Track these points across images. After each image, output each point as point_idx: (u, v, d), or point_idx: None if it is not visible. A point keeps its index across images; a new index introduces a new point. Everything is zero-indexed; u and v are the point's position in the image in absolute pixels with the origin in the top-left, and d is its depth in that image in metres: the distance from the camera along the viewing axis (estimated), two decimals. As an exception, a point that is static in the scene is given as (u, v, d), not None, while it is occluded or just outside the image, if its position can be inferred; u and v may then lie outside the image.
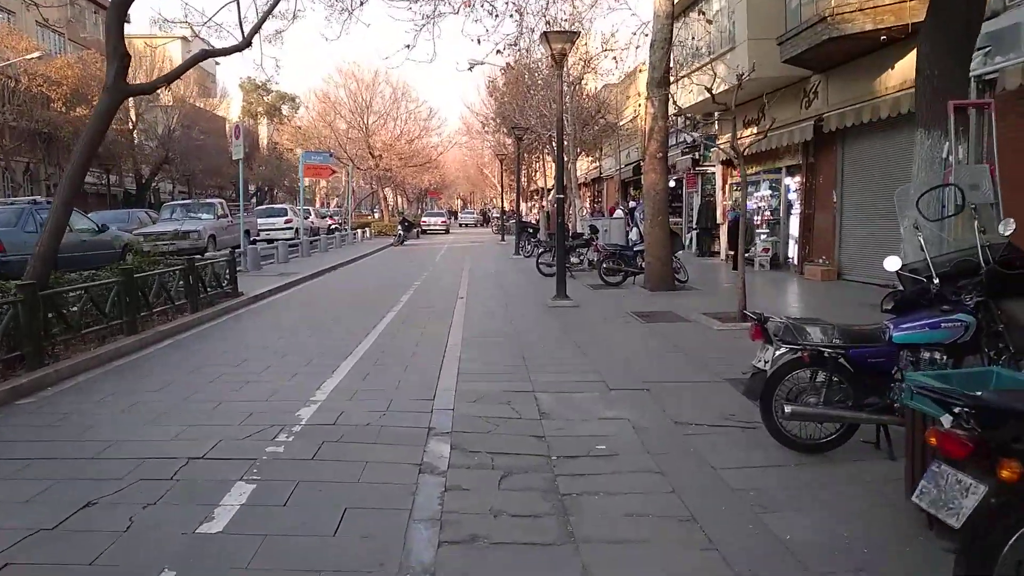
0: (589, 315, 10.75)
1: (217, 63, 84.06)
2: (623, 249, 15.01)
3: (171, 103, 46.28)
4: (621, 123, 31.32)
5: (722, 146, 11.39)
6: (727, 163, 20.05)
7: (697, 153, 23.00)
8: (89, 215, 19.33)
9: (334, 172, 26.24)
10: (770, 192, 18.06)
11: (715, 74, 12.10)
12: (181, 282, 10.02)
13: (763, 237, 17.96)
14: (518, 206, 26.58)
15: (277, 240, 25.20)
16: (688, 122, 24.84)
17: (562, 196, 11.65)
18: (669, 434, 5.21)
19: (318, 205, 74.95)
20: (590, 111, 25.32)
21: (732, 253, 17.57)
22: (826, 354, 4.54)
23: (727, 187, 20.33)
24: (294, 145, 41.80)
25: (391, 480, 4.31)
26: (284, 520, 3.75)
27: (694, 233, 22.88)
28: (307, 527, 3.66)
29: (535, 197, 52.24)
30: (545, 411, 5.70)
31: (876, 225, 13.76)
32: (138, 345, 8.22)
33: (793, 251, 17.04)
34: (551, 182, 38.40)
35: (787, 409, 4.50)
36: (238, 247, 21.08)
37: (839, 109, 14.08)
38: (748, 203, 18.40)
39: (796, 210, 16.77)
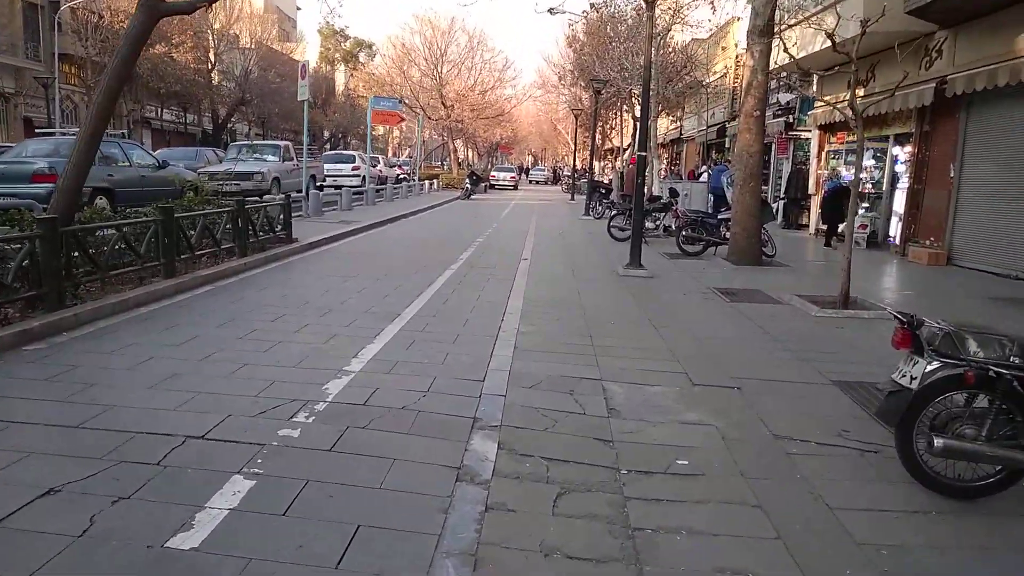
0: (666, 288, 9.67)
1: (299, 8, 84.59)
2: (706, 216, 13.72)
3: (250, 45, 46.30)
4: (707, 81, 29.38)
5: (839, 104, 9.92)
6: (826, 128, 18.25)
7: (791, 116, 21.14)
8: (155, 152, 19.24)
9: (403, 120, 25.45)
10: (874, 163, 16.29)
11: (828, 24, 10.61)
12: (229, 225, 9.41)
13: (862, 212, 16.27)
14: (591, 165, 25.30)
15: (344, 186, 24.78)
16: (783, 82, 22.87)
17: (644, 153, 10.49)
18: (767, 451, 4.19)
19: (390, 154, 75.03)
20: (676, 66, 23.60)
21: (825, 228, 16.01)
22: (998, 375, 3.41)
23: (823, 154, 18.56)
24: (369, 93, 41.13)
25: (421, 488, 3.46)
26: (278, 538, 2.95)
27: (781, 203, 21.17)
28: (305, 552, 2.86)
29: (609, 156, 50.45)
30: (614, 407, 4.75)
31: (1000, 206, 12.06)
32: (174, 290, 7.65)
33: (895, 229, 15.36)
34: (627, 141, 36.70)
35: (938, 443, 3.42)
36: (311, 191, 20.72)
37: (968, 71, 12.26)
38: (847, 175, 16.71)
39: (903, 184, 15.05)
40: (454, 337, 6.33)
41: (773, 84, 24.73)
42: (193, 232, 8.39)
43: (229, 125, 48.63)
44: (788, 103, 21.30)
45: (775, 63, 12.59)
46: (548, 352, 6.03)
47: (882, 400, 3.75)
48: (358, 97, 61.34)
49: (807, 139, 20.59)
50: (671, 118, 35.60)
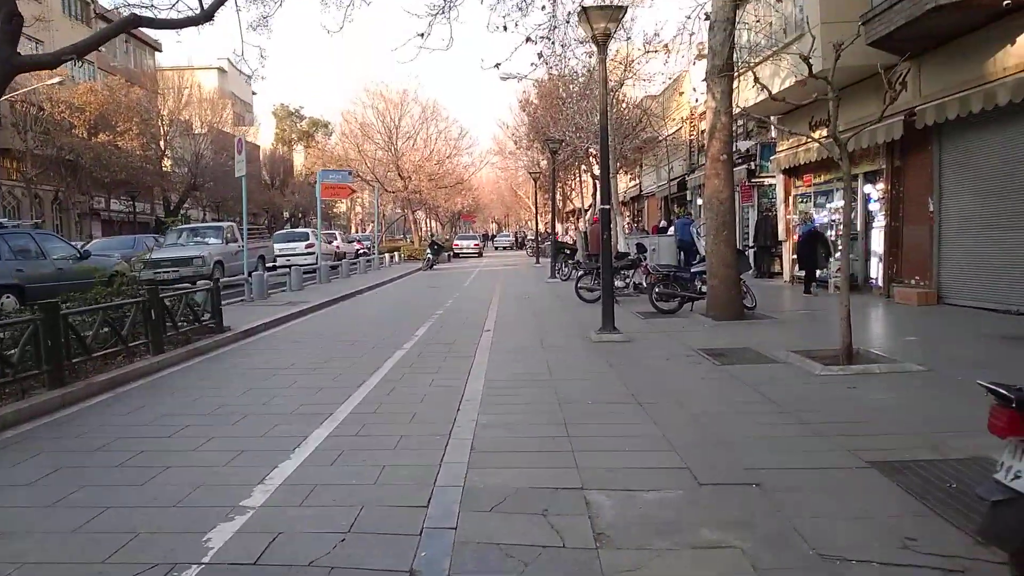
0: (647, 353, 8.56)
1: (254, 93, 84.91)
2: (678, 270, 12.78)
3: (201, 130, 45.61)
4: (664, 135, 29.19)
5: (820, 138, 9.11)
6: (790, 172, 17.72)
7: (753, 163, 20.71)
8: (93, 241, 17.96)
9: (354, 191, 24.54)
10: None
11: (788, 63, 9.97)
12: (140, 317, 8.12)
13: (838, 255, 15.53)
14: (553, 226, 24.57)
15: (299, 266, 23.58)
16: (742, 129, 22.58)
17: (608, 206, 9.55)
18: (821, 588, 3.01)
19: (353, 230, 74.18)
20: (631, 122, 23.22)
21: (803, 274, 15.20)
22: None
23: (791, 199, 17.97)
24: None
25: None
26: None
27: (751, 252, 20.48)
28: None
29: (571, 218, 50.18)
30: (603, 530, 3.54)
31: (988, 237, 11.34)
32: (60, 402, 6.30)
33: (875, 270, 14.60)
34: (587, 201, 36.29)
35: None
36: (256, 271, 19.45)
37: (937, 99, 11.71)
38: (818, 217, 16.07)
39: (879, 223, 14.37)
40: (395, 441, 5.08)
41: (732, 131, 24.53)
42: (88, 332, 7.07)
43: (182, 212, 47.35)
44: (748, 150, 20.90)
45: (737, 106, 11.92)
46: (513, 452, 4.82)
47: (988, 513, 2.61)
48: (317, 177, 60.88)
49: (771, 185, 20.10)
50: (629, 175, 35.39)
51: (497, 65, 17.28)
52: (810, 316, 11.66)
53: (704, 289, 12.62)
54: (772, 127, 20.26)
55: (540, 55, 12.41)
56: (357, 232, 65.63)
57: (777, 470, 4.34)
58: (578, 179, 33.51)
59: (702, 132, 28.15)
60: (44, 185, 35.18)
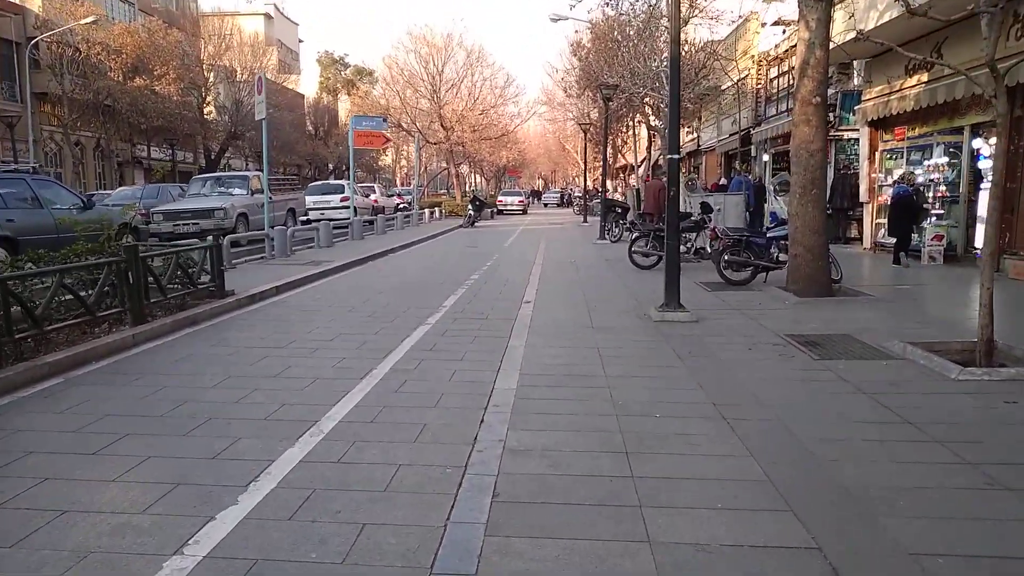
0: (722, 339, 6.94)
1: (301, 40, 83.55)
2: (752, 235, 11.00)
3: (241, 75, 44.39)
4: (727, 86, 26.80)
5: (973, 72, 7.09)
6: (878, 124, 15.52)
7: (832, 114, 18.40)
8: (85, 193, 16.95)
9: (388, 140, 23.05)
10: (946, 160, 13.51)
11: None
12: (114, 280, 6.82)
13: (932, 220, 13.48)
14: (604, 182, 22.71)
15: (333, 220, 22.35)
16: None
17: (676, 155, 7.83)
18: None
19: (398, 184, 72.86)
20: (695, 65, 21.03)
21: (894, 241, 13.21)
22: None
23: (877, 155, 15.79)
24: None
25: None
26: None
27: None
28: None
29: (621, 174, 47.87)
30: None
31: None
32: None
33: (981, 240, 12.51)
34: (641, 156, 34.09)
35: None
36: (284, 225, 18.27)
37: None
38: (916, 176, 13.93)
39: (988, 184, 12.22)
40: (387, 479, 3.63)
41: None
42: (38, 302, 5.78)
43: (223, 160, 46.62)
44: (826, 99, 18.56)
45: (835, 40, 9.91)
46: (553, 505, 3.33)
47: None
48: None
49: (851, 139, 17.86)
50: (687, 128, 33.00)
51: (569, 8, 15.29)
52: (910, 294, 9.81)
53: (782, 258, 10.87)
54: (854, 74, 18.00)
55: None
56: (401, 186, 64.27)
57: (959, 556, 2.77)
58: (632, 132, 31.35)
59: (771, 80, 25.69)
60: (84, 131, 34.57)
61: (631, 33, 23.67)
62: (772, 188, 12.15)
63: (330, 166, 65.28)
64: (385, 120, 21.27)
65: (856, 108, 16.51)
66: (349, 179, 41.87)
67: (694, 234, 13.49)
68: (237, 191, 17.27)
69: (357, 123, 20.25)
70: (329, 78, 73.21)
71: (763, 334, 7.21)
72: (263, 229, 15.55)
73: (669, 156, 7.88)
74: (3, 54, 32.03)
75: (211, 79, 41.67)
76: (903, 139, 14.73)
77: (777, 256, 10.90)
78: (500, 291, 10.43)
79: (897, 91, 14.23)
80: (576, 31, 28.02)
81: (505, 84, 38.32)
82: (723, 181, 26.03)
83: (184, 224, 15.33)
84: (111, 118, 34.02)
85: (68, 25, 29.90)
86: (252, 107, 44.40)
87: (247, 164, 53.80)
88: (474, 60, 36.53)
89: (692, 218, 13.44)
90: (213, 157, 43.83)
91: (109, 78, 32.02)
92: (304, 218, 22.64)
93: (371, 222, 21.86)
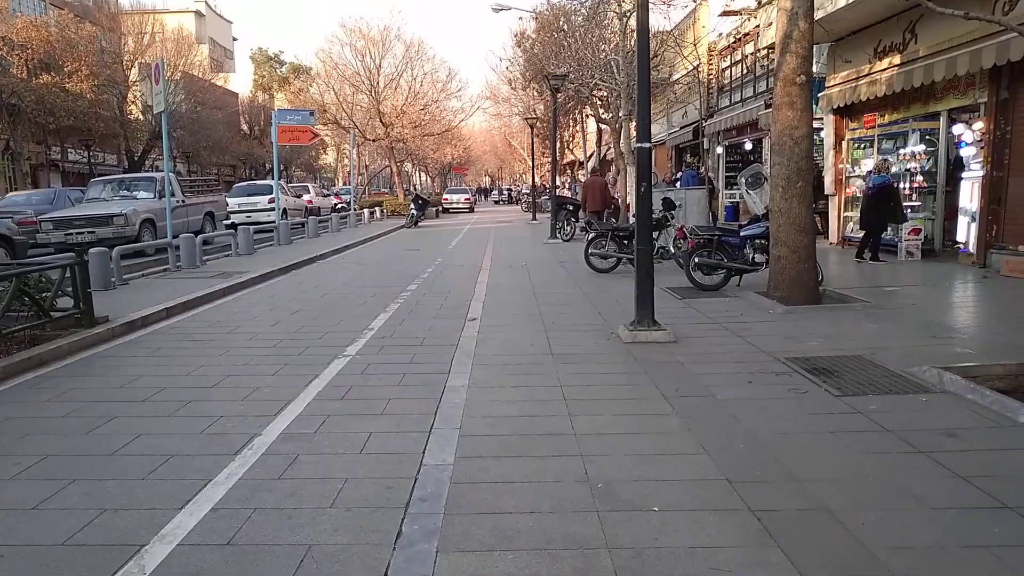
0: (710, 368, 5.58)
1: (235, 38, 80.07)
2: (724, 234, 9.74)
3: (169, 74, 41.46)
4: (677, 76, 25.77)
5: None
6: (844, 112, 14.54)
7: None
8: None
9: (316, 136, 21.20)
10: (923, 148, 12.55)
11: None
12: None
13: (906, 221, 12.47)
14: (553, 179, 21.38)
15: (260, 223, 20.40)
16: (770, 63, 19.27)
17: (648, 144, 6.45)
18: None
19: (340, 184, 70.20)
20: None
21: (865, 236, 12.19)
22: None
23: (843, 144, 14.81)
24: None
25: None
26: None
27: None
28: None
29: (568, 171, 46.74)
30: None
31: None
32: None
33: (965, 233, 11.57)
34: (590, 149, 32.92)
35: None
36: (200, 232, 16.34)
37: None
38: (890, 166, 12.92)
39: (972, 172, 11.29)
40: None
41: (759, 69, 21.19)
42: None
43: (148, 161, 43.66)
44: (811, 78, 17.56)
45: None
46: None
47: None
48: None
49: (815, 128, 16.89)
50: (634, 122, 31.98)
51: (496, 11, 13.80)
52: (903, 297, 8.67)
53: (758, 259, 9.66)
54: (815, 60, 17.03)
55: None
56: (343, 185, 61.92)
57: None
58: (581, 125, 30.13)
59: (723, 71, 24.76)
60: (-15, 133, 31.53)
61: (578, 23, 22.43)
62: (743, 181, 10.96)
63: (267, 165, 62.48)
64: (312, 114, 19.43)
65: (820, 95, 15.52)
66: (287, 179, 39.69)
67: (657, 233, 12.20)
68: (142, 195, 15.25)
69: (281, 117, 18.33)
70: (264, 76, 70.23)
71: (759, 358, 5.89)
72: (177, 234, 13.65)
73: (639, 145, 6.49)
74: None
75: (132, 76, 38.79)
76: (873, 127, 13.75)
77: (753, 257, 9.67)
78: (441, 304, 8.91)
79: (866, 75, 13.23)
80: (520, 18, 26.64)
81: (448, 79, 36.68)
82: (674, 175, 25.05)
83: (77, 233, 13.31)
84: (17, 118, 31.06)
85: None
86: (177, 105, 42.02)
87: (175, 165, 50.83)
88: (413, 54, 34.80)
89: (653, 216, 12.12)
90: (136, 158, 40.89)
91: (12, 75, 29.12)
92: (227, 222, 20.63)
93: (295, 226, 19.98)
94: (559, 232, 19.10)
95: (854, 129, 14.57)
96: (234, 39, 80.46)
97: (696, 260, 9.54)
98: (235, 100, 61.39)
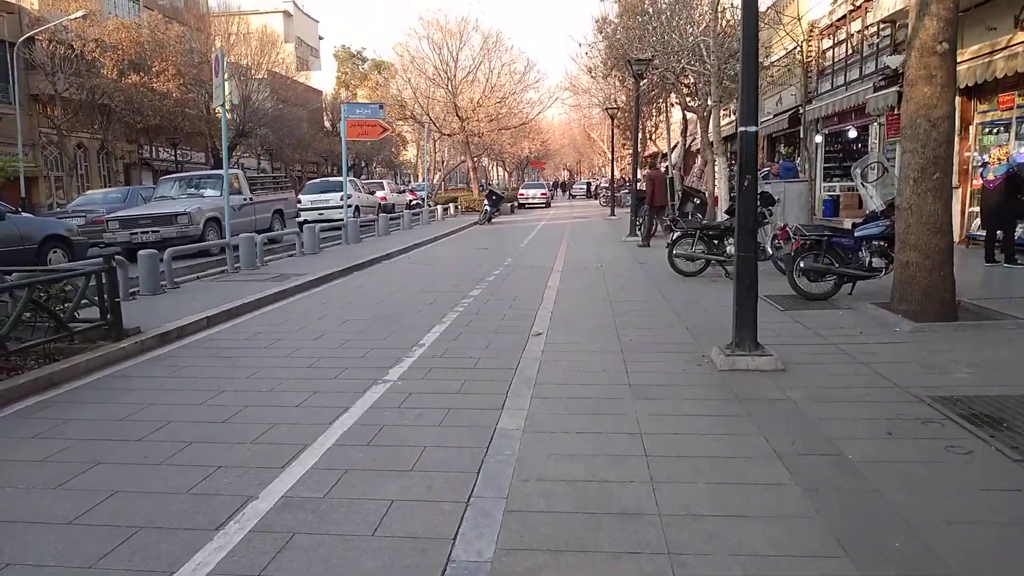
0: (832, 410, 4.37)
1: (321, 37, 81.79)
2: (835, 235, 8.35)
3: (255, 72, 42.25)
4: (770, 61, 23.88)
5: None
6: (972, 92, 12.66)
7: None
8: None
9: (386, 130, 20.61)
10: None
11: None
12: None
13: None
14: (635, 171, 20.05)
15: (332, 221, 20.05)
16: (888, 40, 17.37)
17: (754, 128, 5.25)
18: None
19: (420, 179, 70.52)
20: (738, 36, 18.19)
21: (989, 234, 10.48)
22: None
23: (971, 129, 12.94)
24: (389, 113, 36.37)
25: None
26: None
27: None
28: None
29: (648, 163, 44.92)
30: None
31: None
32: None
33: None
34: (675, 140, 31.21)
35: None
36: (268, 230, 16.01)
37: None
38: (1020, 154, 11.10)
39: None
40: None
41: (866, 47, 19.19)
42: None
43: (234, 158, 44.70)
44: (899, 68, 15.70)
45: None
46: None
47: None
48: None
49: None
50: (725, 111, 30.07)
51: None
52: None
53: (875, 263, 8.23)
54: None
55: None
56: (421, 181, 62.14)
57: None
58: (665, 115, 28.53)
59: (823, 52, 22.75)
60: (81, 132, 32.74)
61: (662, 6, 20.98)
62: (857, 173, 9.50)
63: (349, 162, 63.26)
64: (382, 107, 18.84)
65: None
66: (363, 174, 39.67)
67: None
68: (209, 192, 14.96)
69: (350, 111, 17.79)
70: (347, 72, 71.20)
71: (894, 395, 4.63)
72: (250, 233, 13.24)
73: (744, 128, 5.29)
74: (-2, 55, 30.28)
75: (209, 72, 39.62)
76: (1011, 107, 11.88)
77: (869, 261, 8.25)
78: (504, 314, 7.94)
79: (1002, 48, 11.39)
80: (602, 0, 25.41)
81: (526, 70, 35.65)
82: (764, 169, 23.20)
83: (142, 232, 13.08)
84: (109, 118, 32.13)
85: (57, 20, 27.99)
86: (261, 103, 42.80)
87: (259, 162, 51.98)
88: (491, 45, 33.93)
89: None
90: (222, 156, 41.93)
91: (102, 75, 30.04)
92: (299, 220, 20.36)
93: (365, 225, 19.43)
94: (639, 229, 17.81)
95: (985, 112, 12.70)
96: (320, 37, 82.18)
97: (802, 264, 8.20)
98: (319, 98, 62.53)
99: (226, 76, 11.14)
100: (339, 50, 75.16)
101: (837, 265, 8.13)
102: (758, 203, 10.94)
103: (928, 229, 6.77)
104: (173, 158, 40.29)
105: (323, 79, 70.37)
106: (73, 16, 27.99)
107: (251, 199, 16.00)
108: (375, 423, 4.36)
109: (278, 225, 17.27)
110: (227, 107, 11.49)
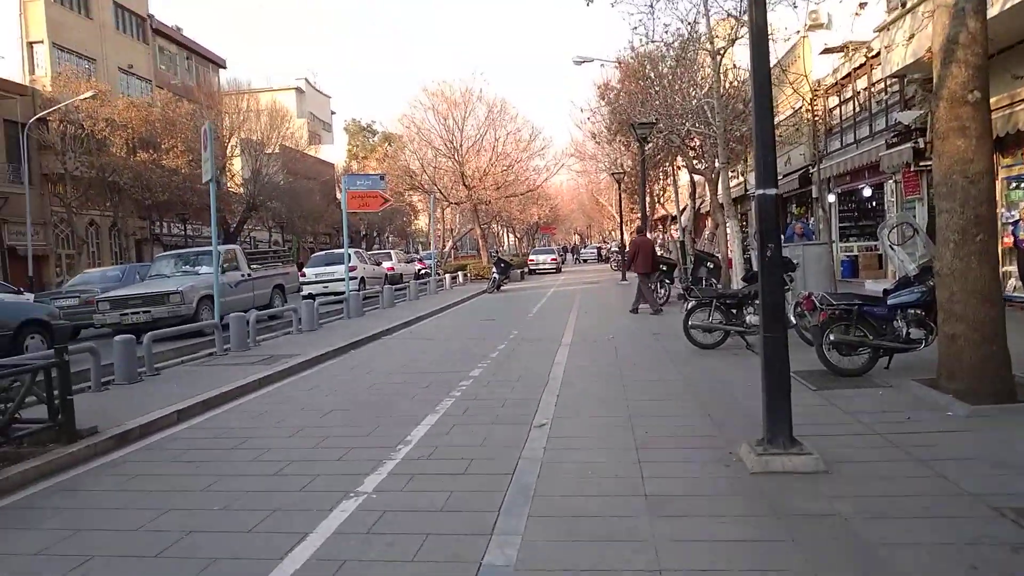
0: (888, 526, 3.58)
1: (333, 112, 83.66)
2: (866, 303, 7.61)
3: (265, 146, 42.77)
4: (778, 120, 23.60)
5: None
6: (996, 144, 12.05)
7: (920, 139, 15.02)
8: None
9: (387, 201, 20.28)
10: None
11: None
12: None
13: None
14: (644, 235, 19.48)
15: (336, 294, 19.50)
16: (896, 97, 17.02)
17: (773, 190, 4.60)
18: None
19: (432, 247, 70.62)
20: (743, 97, 17.93)
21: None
22: None
23: (997, 184, 12.28)
24: (398, 184, 36.49)
25: None
26: None
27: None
28: None
29: (660, 226, 44.59)
30: None
31: None
32: None
33: None
34: (683, 203, 30.87)
35: None
36: (268, 307, 15.45)
37: None
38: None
39: None
40: None
41: (874, 103, 18.82)
42: None
43: (245, 232, 44.87)
44: (912, 124, 15.24)
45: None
46: None
47: None
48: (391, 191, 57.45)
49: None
50: (732, 172, 29.76)
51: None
52: None
53: (913, 334, 7.45)
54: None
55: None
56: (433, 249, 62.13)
57: None
58: (673, 178, 28.24)
59: (830, 111, 22.46)
60: (93, 210, 32.91)
61: (664, 70, 20.86)
62: (884, 235, 8.83)
63: (362, 232, 63.54)
64: (383, 178, 18.53)
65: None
66: (376, 246, 39.48)
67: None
68: (205, 269, 14.48)
69: (350, 183, 17.48)
70: (357, 145, 72.41)
71: (965, 508, 3.82)
72: (245, 309, 12.67)
73: (761, 191, 4.66)
74: (10, 136, 30.74)
75: (229, 149, 40.11)
76: (1041, 160, 11.27)
77: (907, 332, 7.47)
78: (505, 399, 7.19)
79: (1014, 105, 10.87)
80: (602, 65, 25.39)
81: (531, 138, 35.74)
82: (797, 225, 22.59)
83: (133, 313, 12.55)
84: (119, 195, 32.32)
85: (68, 101, 28.42)
86: (271, 176, 43.16)
87: (270, 235, 52.20)
88: (496, 114, 34.11)
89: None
90: (232, 230, 41.96)
91: (111, 154, 30.33)
92: (303, 294, 19.85)
93: (368, 297, 18.85)
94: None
95: (1010, 166, 12.09)
96: (332, 112, 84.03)
97: (832, 337, 7.44)
98: (331, 170, 63.27)
99: (212, 150, 10.72)
100: (349, 123, 76.73)
101: (871, 337, 7.37)
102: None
103: (976, 298, 6.02)
104: (183, 233, 40.42)
105: (335, 152, 71.56)
106: (83, 96, 28.41)
107: (249, 275, 15.51)
108: (335, 557, 3.59)
109: (279, 300, 16.73)
110: (211, 179, 11.00)
